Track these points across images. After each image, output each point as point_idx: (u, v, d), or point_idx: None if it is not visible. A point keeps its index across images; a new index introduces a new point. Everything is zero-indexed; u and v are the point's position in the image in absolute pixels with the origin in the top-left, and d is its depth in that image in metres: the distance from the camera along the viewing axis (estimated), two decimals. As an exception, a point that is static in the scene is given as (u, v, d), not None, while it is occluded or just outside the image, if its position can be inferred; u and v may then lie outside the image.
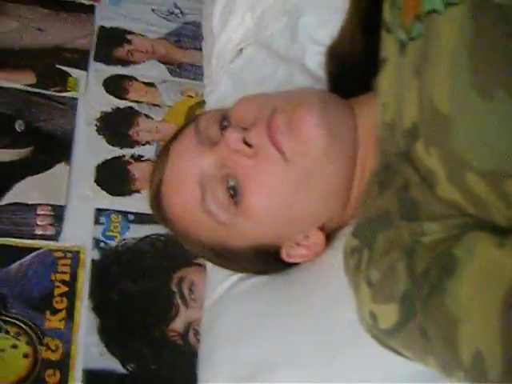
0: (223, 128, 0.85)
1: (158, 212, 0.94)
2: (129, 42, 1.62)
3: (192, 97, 1.56)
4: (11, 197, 1.34)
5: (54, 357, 1.24)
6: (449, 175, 0.67)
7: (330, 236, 0.91)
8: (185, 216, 0.89)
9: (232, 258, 0.94)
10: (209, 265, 1.14)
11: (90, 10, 1.63)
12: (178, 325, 1.31)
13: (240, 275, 1.02)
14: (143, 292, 1.33)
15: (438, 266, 0.66)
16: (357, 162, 0.85)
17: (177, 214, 0.90)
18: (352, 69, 0.91)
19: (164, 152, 0.92)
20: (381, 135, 0.79)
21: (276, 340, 0.90)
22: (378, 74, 0.79)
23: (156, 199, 0.93)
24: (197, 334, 1.29)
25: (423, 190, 0.71)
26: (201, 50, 1.56)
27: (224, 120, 0.86)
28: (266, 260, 0.93)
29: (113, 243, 1.37)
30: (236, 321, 0.97)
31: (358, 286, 0.73)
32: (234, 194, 0.83)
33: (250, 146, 0.81)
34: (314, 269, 0.91)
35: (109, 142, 1.47)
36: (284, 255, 0.91)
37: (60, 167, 1.40)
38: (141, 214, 1.39)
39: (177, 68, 1.61)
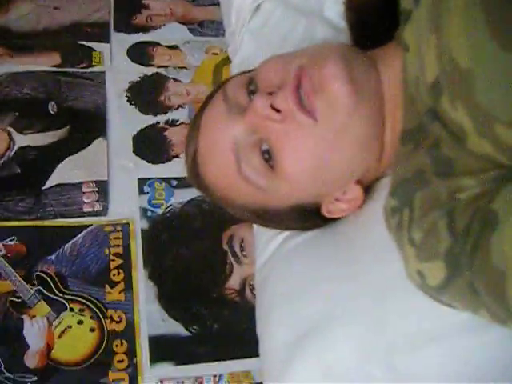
0: (251, 92, 0.85)
1: (197, 182, 0.95)
2: (146, 7, 1.61)
3: (217, 54, 1.56)
4: (55, 179, 1.37)
5: (118, 328, 1.28)
6: (477, 128, 0.66)
7: (368, 188, 0.91)
8: (223, 184, 0.90)
9: (274, 219, 0.94)
10: (255, 227, 1.15)
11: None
12: (233, 282, 1.34)
13: (286, 233, 1.02)
14: (196, 255, 1.35)
15: (478, 222, 0.65)
16: (385, 115, 0.84)
17: (215, 183, 0.91)
18: (372, 17, 0.89)
19: (196, 121, 0.93)
20: (407, 91, 0.78)
21: (327, 295, 0.91)
22: (402, 27, 0.78)
23: (193, 170, 0.94)
24: (253, 289, 1.32)
25: (454, 146, 0.70)
26: (219, 4, 1.54)
27: (251, 84, 0.86)
28: (308, 218, 0.93)
29: (160, 211, 1.39)
30: (288, 280, 0.98)
31: (402, 245, 0.73)
32: (268, 158, 0.83)
33: (277, 110, 0.81)
34: (358, 222, 0.92)
35: (141, 111, 1.48)
36: (325, 211, 0.91)
37: (98, 143, 1.42)
38: (183, 178, 1.39)
39: (198, 27, 1.60)
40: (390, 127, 0.85)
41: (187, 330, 1.30)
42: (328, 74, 0.79)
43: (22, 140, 1.38)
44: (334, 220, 0.95)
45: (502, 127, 0.63)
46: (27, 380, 1.21)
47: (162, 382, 1.25)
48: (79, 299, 1.28)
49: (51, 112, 1.42)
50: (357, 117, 0.80)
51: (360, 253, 0.90)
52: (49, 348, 1.24)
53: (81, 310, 1.27)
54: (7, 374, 1.21)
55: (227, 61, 1.46)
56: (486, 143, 0.66)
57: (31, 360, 1.23)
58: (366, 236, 0.90)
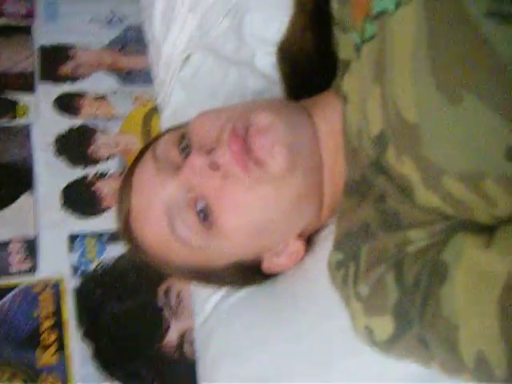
0: (183, 150, 0.82)
1: (131, 244, 0.91)
2: (72, 57, 1.57)
3: (144, 104, 1.52)
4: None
5: (54, 391, 1.21)
6: (425, 181, 0.65)
7: (309, 240, 0.89)
8: (158, 246, 0.86)
9: (213, 278, 0.91)
10: (191, 285, 1.12)
11: (26, 30, 1.58)
12: (171, 338, 1.29)
13: (225, 290, 1.00)
14: (131, 311, 1.30)
15: (427, 274, 0.64)
16: (324, 166, 0.83)
17: (149, 245, 0.87)
18: (306, 68, 0.88)
19: (126, 181, 0.89)
20: (349, 143, 0.77)
21: (272, 353, 0.88)
22: (340, 78, 0.76)
23: (126, 232, 0.90)
24: (191, 343, 1.28)
25: (401, 199, 0.69)
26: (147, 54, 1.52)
27: (182, 140, 0.83)
28: (248, 274, 0.91)
29: (92, 266, 1.33)
30: (230, 339, 0.95)
31: (348, 300, 0.72)
32: (204, 216, 0.80)
33: (216, 167, 0.79)
34: (299, 275, 0.90)
35: (70, 164, 1.43)
36: (265, 267, 0.89)
37: (24, 198, 1.36)
38: (115, 232, 1.35)
39: (126, 75, 1.56)
40: (328, 179, 0.83)
41: (125, 390, 1.24)
42: (259, 137, 0.77)
43: None
44: (275, 275, 0.93)
45: (450, 180, 0.62)
46: None
47: None
48: (9, 365, 1.21)
49: (-26, 169, 1.36)
50: (293, 175, 0.78)
51: (302, 308, 0.88)
52: (-24, 423, 1.17)
53: (10, 378, 1.20)
54: None
55: (156, 110, 1.44)
56: (434, 196, 0.65)
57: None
58: (308, 290, 0.88)
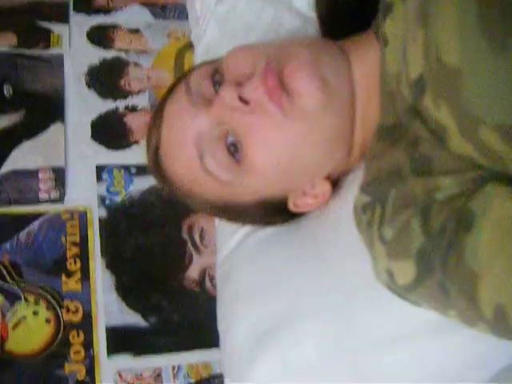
0: (216, 83, 0.82)
1: (159, 176, 0.92)
2: (107, -13, 1.55)
3: (179, 38, 1.50)
4: (10, 164, 1.30)
5: (75, 318, 1.23)
6: (460, 130, 0.64)
7: (335, 183, 0.89)
8: (186, 178, 0.87)
9: (238, 214, 0.92)
10: (216, 220, 1.12)
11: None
12: (193, 273, 1.30)
13: (249, 228, 1.00)
14: (155, 244, 1.31)
15: (454, 222, 0.63)
16: (356, 109, 0.81)
17: (178, 177, 0.88)
18: (344, 8, 0.86)
19: (157, 113, 0.89)
20: (386, 86, 0.76)
21: (293, 293, 0.88)
22: (381, 20, 0.75)
23: (155, 164, 0.90)
24: (213, 279, 1.29)
25: (434, 145, 0.68)
26: (183, -12, 1.49)
27: (216, 74, 0.82)
28: (274, 212, 0.91)
29: (118, 198, 1.34)
30: (251, 276, 0.96)
31: (371, 243, 0.71)
32: (234, 151, 0.80)
33: (246, 102, 0.78)
34: (324, 218, 0.89)
35: (101, 96, 1.42)
36: (291, 206, 0.89)
37: (55, 128, 1.36)
38: (143, 165, 1.36)
39: (160, 10, 1.54)
40: (360, 122, 0.82)
41: (146, 320, 1.26)
42: (294, 72, 0.76)
43: (-24, 125, 1.32)
44: (300, 215, 0.93)
45: (487, 130, 0.61)
46: (-20, 372, 1.16)
47: (119, 373, 1.21)
48: (34, 289, 1.23)
49: (6, 95, 1.35)
50: (326, 113, 0.78)
51: (325, 250, 0.88)
52: (2, 340, 1.19)
53: (36, 301, 1.22)
54: (-41, 367, 1.16)
55: (189, 46, 1.42)
56: (469, 145, 0.64)
57: (-16, 352, 1.18)
58: (332, 233, 0.88)
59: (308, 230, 0.92)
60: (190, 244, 1.32)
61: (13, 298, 1.22)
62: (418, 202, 0.67)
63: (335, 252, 0.86)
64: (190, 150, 0.82)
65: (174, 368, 1.23)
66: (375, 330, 0.80)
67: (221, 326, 1.01)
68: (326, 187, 0.87)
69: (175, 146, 0.85)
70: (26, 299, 1.22)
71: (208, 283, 1.30)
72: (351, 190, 0.81)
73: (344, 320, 0.83)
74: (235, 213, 0.91)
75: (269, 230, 0.97)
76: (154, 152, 0.88)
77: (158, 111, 0.89)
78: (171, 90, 0.89)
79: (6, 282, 1.22)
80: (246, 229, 1.01)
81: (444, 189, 0.66)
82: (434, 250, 0.65)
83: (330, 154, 0.83)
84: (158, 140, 0.87)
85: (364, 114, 0.82)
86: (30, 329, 1.21)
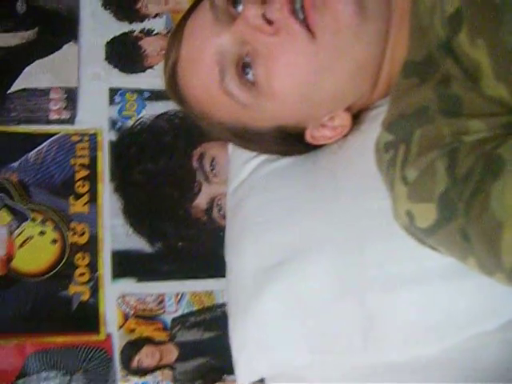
0: (241, 1, 0.76)
1: (175, 93, 0.86)
2: None
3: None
4: (21, 82, 1.24)
5: (81, 240, 1.20)
6: (496, 69, 0.58)
7: (355, 117, 0.83)
8: (203, 97, 0.81)
9: (254, 140, 0.86)
10: (230, 147, 1.06)
11: None
12: (201, 201, 1.26)
13: (263, 157, 0.94)
14: (164, 170, 1.26)
15: (481, 167, 0.58)
16: (388, 42, 0.75)
17: (195, 96, 0.82)
18: None
19: (178, 30, 0.83)
20: (418, 20, 0.69)
21: (306, 226, 0.84)
22: None
23: (172, 81, 0.85)
24: (220, 209, 1.25)
25: (466, 85, 0.62)
26: None
27: None
28: (290, 142, 0.85)
29: (129, 123, 1.28)
30: (261, 207, 0.91)
31: (392, 183, 0.66)
32: (247, 72, 0.75)
33: (270, 22, 0.72)
34: (342, 153, 0.84)
35: (116, 17, 1.34)
36: (308, 137, 0.83)
37: (68, 47, 1.29)
38: (156, 90, 1.30)
39: None
40: (390, 55, 0.76)
41: (151, 246, 1.23)
42: None
43: (-12, 39, 1.26)
44: (316, 148, 0.87)
45: None
46: (-14, 288, 1.14)
47: (123, 297, 1.19)
48: (42, 209, 1.19)
49: (19, 11, 1.28)
50: (358, 39, 0.72)
51: (342, 184, 0.82)
52: (9, 258, 1.16)
53: (43, 221, 1.19)
54: (-34, 281, 1.14)
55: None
56: (502, 86, 0.58)
57: (-10, 268, 1.15)
58: (350, 168, 0.82)
59: (325, 163, 0.86)
60: (199, 172, 1.27)
61: (20, 218, 1.18)
62: (445, 143, 0.62)
63: (352, 187, 0.81)
64: (211, 67, 0.77)
65: (177, 295, 1.21)
66: (387, 269, 0.76)
67: (228, 256, 0.97)
68: (346, 120, 0.81)
69: (195, 61, 0.79)
70: (33, 219, 1.19)
71: (216, 213, 1.26)
72: (373, 127, 0.75)
73: (355, 256, 0.78)
74: (251, 139, 0.86)
75: (284, 162, 0.92)
76: (172, 68, 0.83)
77: (179, 27, 0.83)
78: (195, 6, 0.83)
79: (15, 201, 1.19)
80: (260, 158, 0.95)
81: (473, 132, 0.61)
82: (457, 195, 0.60)
83: (354, 86, 0.77)
84: (177, 55, 0.82)
85: (395, 46, 0.76)
86: (37, 248, 1.18)
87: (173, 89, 0.86)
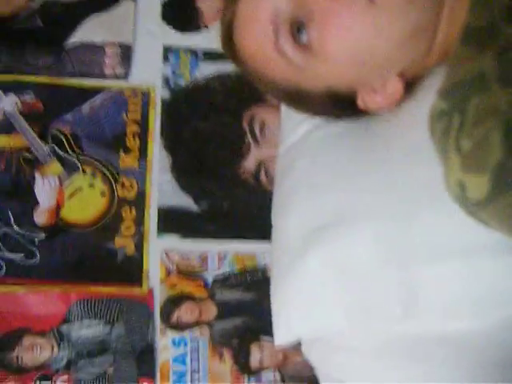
0: None
1: (230, 51, 0.86)
2: None
3: None
4: (78, 36, 1.24)
5: (129, 195, 1.21)
6: None
7: (408, 85, 0.81)
8: (257, 55, 0.81)
9: (306, 101, 0.85)
10: (283, 108, 1.05)
11: None
12: (249, 163, 1.25)
13: (316, 121, 0.93)
14: (214, 130, 1.26)
15: None
16: (445, 7, 0.73)
17: (249, 54, 0.82)
18: None
19: None
20: None
21: (356, 192, 0.82)
22: None
23: (227, 37, 0.84)
24: (268, 173, 1.24)
25: None
26: None
27: None
28: (341, 105, 0.84)
29: (183, 81, 1.28)
30: (313, 169, 0.89)
31: (446, 152, 0.63)
32: (310, 35, 0.74)
33: None
34: (395, 122, 0.82)
35: (174, -25, 1.35)
36: (360, 102, 0.82)
37: (125, 3, 1.29)
38: (210, 51, 1.29)
39: None
40: (446, 19, 0.74)
41: (197, 204, 1.23)
42: None
43: (47, -8, 1.26)
44: (368, 113, 0.85)
45: None
46: (35, 236, 1.16)
47: (167, 252, 1.20)
48: (92, 162, 1.21)
49: (79, -35, 1.29)
50: (414, 5, 0.70)
51: (394, 153, 0.81)
52: (58, 207, 1.18)
53: (93, 173, 1.20)
54: (16, 229, 1.15)
55: None
56: None
57: (40, 217, 1.17)
58: (403, 137, 0.81)
59: (378, 130, 0.85)
60: (249, 134, 1.26)
61: (71, 169, 1.20)
62: (502, 113, 0.59)
63: (404, 156, 0.79)
64: (266, 26, 0.77)
65: (219, 254, 1.21)
66: (434, 240, 0.74)
67: (275, 216, 0.97)
68: (398, 86, 0.79)
69: (251, 20, 0.79)
70: (83, 171, 1.20)
71: (263, 176, 1.25)
72: (429, 95, 0.73)
73: (403, 225, 0.77)
74: (302, 100, 0.85)
75: (336, 127, 0.90)
76: (228, 25, 0.82)
77: None
78: None
79: (67, 152, 1.20)
80: (312, 122, 0.94)
81: None
82: None
83: (408, 50, 0.75)
84: (233, 13, 0.81)
85: (452, 10, 0.74)
86: (85, 200, 1.19)
87: (228, 46, 0.85)
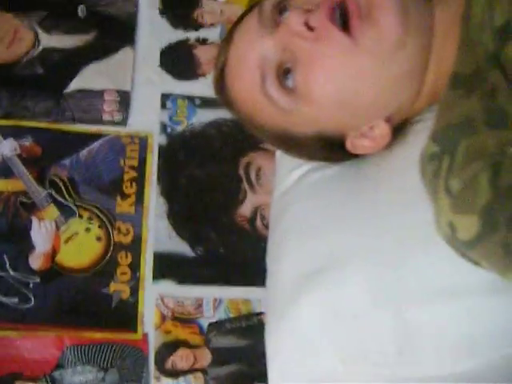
0: (282, 9, 0.76)
1: (222, 95, 0.87)
2: None
3: (257, -26, 1.43)
4: (77, 83, 1.27)
5: (125, 240, 1.21)
6: None
7: (398, 130, 0.82)
8: (246, 100, 0.82)
9: (296, 145, 0.86)
10: (277, 154, 1.06)
11: None
12: (245, 210, 1.26)
13: (309, 166, 0.94)
14: (211, 177, 1.27)
15: None
16: (432, 53, 0.74)
17: (239, 98, 0.83)
18: None
19: (229, 35, 0.84)
20: (467, 33, 0.68)
21: (347, 235, 0.82)
22: None
23: (219, 82, 0.86)
24: (263, 219, 1.24)
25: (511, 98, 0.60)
26: None
27: (285, 1, 0.77)
28: (331, 148, 0.85)
29: (180, 128, 1.29)
30: (306, 214, 0.90)
31: (436, 194, 0.64)
32: (285, 78, 0.75)
33: (312, 28, 0.72)
34: (385, 165, 0.83)
35: (173, 25, 1.36)
36: (348, 145, 0.83)
37: (124, 51, 1.31)
38: (207, 98, 1.31)
39: None
40: (434, 65, 0.75)
41: (193, 250, 1.23)
42: (380, 3, 0.69)
43: (48, 40, 1.27)
44: (359, 156, 0.86)
45: None
46: (30, 280, 1.15)
47: (162, 298, 1.19)
48: (89, 207, 1.21)
49: (80, 15, 1.31)
50: (401, 51, 0.71)
51: (385, 196, 0.81)
52: (54, 252, 1.18)
53: (89, 218, 1.20)
54: (12, 273, 1.15)
55: (266, -18, 1.34)
56: None
57: (36, 261, 1.17)
58: (393, 180, 0.81)
59: (368, 174, 0.85)
60: (245, 181, 1.27)
61: (68, 214, 1.20)
62: (489, 155, 0.60)
63: (394, 199, 0.80)
64: (254, 71, 0.78)
65: (215, 300, 1.20)
66: (426, 282, 0.74)
67: (269, 261, 0.97)
68: (386, 131, 0.80)
69: (240, 66, 0.80)
70: (80, 216, 1.20)
71: (259, 222, 1.25)
72: (419, 140, 0.74)
73: (395, 268, 0.77)
74: (292, 144, 0.85)
75: (328, 172, 0.91)
76: (221, 70, 0.84)
77: (230, 31, 0.84)
78: (246, 12, 0.84)
79: (64, 197, 1.20)
80: (304, 168, 0.95)
81: None
82: (500, 208, 0.58)
83: (396, 94, 0.76)
84: (225, 59, 0.83)
85: (438, 59, 0.75)
86: (81, 245, 1.19)
87: (220, 90, 0.87)
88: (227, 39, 0.84)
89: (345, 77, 0.73)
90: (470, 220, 0.60)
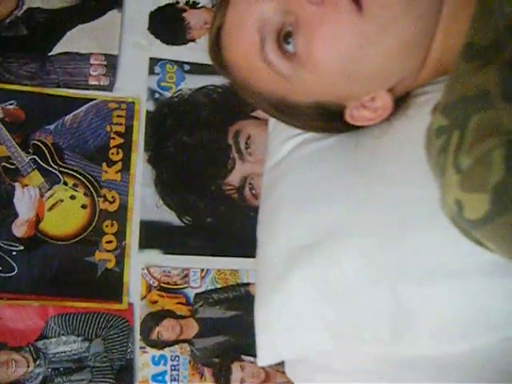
0: None
1: (217, 60, 0.83)
2: None
3: None
4: (63, 46, 1.21)
5: (111, 208, 1.18)
6: None
7: (400, 101, 0.78)
8: (244, 65, 0.78)
9: (293, 114, 0.83)
10: (271, 122, 1.02)
11: None
12: (233, 178, 1.23)
13: (304, 136, 0.90)
14: (199, 145, 1.23)
15: None
16: (441, 21, 0.71)
17: (236, 62, 0.80)
18: None
19: None
20: (483, 3, 0.64)
21: (344, 209, 0.80)
22: None
23: (215, 46, 0.82)
24: (252, 188, 1.21)
25: None
26: None
27: None
28: (329, 118, 0.82)
29: (168, 94, 1.25)
30: (301, 185, 0.87)
31: (443, 170, 0.61)
32: (296, 43, 0.71)
33: None
34: (386, 138, 0.80)
35: (162, -13, 1.32)
36: (347, 116, 0.80)
37: (112, 14, 1.26)
38: (197, 63, 1.27)
39: None
40: (442, 34, 0.72)
41: (180, 219, 1.20)
42: None
43: (32, 0, 1.23)
44: (357, 128, 0.83)
45: None
46: (13, 248, 1.12)
47: (148, 267, 1.16)
48: (74, 174, 1.17)
49: (66, -25, 1.26)
50: (408, 16, 0.68)
51: (384, 171, 0.78)
52: (38, 219, 1.14)
53: (74, 185, 1.17)
54: (-6, 241, 1.12)
55: None
56: None
57: (19, 229, 1.13)
58: (394, 154, 0.78)
59: (368, 147, 0.82)
60: (234, 149, 1.24)
61: (52, 180, 1.16)
62: (504, 131, 0.57)
63: (395, 174, 0.77)
64: (252, 34, 0.74)
65: (202, 271, 1.18)
66: (425, 260, 0.72)
67: (260, 233, 0.94)
68: (387, 101, 0.77)
69: (238, 27, 0.76)
70: (65, 183, 1.17)
71: (247, 191, 1.22)
72: (421, 113, 0.71)
73: (393, 244, 0.74)
74: (289, 112, 0.82)
75: (325, 142, 0.88)
76: (216, 32, 0.80)
77: None
78: None
79: (48, 163, 1.17)
80: (300, 138, 0.92)
81: None
82: None
83: (400, 64, 0.73)
84: (222, 20, 0.79)
85: (447, 29, 0.72)
86: (66, 212, 1.16)
87: (215, 54, 0.83)
88: (224, 0, 0.80)
89: (348, 44, 0.70)
90: (480, 198, 0.57)
